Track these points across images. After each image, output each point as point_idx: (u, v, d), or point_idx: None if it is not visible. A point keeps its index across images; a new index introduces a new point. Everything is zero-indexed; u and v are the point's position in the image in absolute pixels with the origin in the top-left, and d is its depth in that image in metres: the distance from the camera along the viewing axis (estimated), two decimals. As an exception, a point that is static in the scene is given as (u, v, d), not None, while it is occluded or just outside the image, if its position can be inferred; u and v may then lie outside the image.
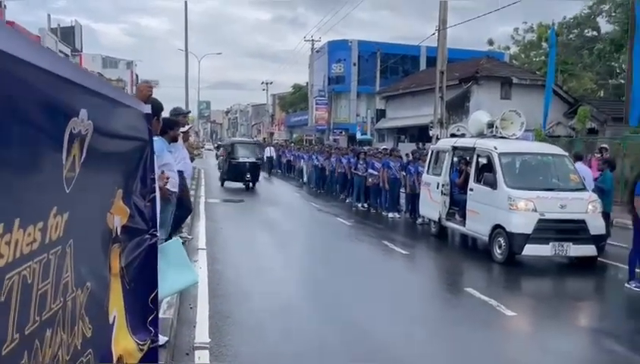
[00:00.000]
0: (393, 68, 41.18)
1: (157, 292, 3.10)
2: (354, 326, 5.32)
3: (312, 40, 45.48)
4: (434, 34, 20.74)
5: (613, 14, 20.84)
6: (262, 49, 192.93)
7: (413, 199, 12.28)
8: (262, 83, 67.53)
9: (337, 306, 5.92)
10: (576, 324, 6.05)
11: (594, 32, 34.82)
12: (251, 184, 18.47)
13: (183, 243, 7.67)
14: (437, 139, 19.80)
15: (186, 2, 30.74)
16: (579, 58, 35.48)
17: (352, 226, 11.83)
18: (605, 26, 29.08)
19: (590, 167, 10.73)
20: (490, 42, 44.84)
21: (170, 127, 5.70)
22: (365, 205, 14.61)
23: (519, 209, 7.98)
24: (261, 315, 5.53)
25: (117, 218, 2.48)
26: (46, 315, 1.55)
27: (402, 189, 13.28)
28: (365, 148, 19.35)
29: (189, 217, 10.53)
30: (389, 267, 8.32)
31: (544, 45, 40.21)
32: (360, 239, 10.55)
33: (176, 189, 5.84)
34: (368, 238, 10.51)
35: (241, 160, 18.41)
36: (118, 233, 2.51)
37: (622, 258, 7.69)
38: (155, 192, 3.12)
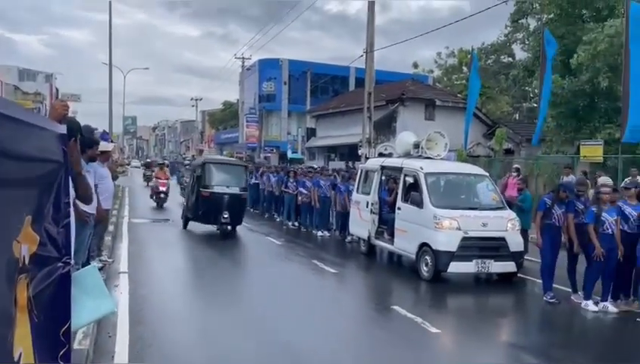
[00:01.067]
0: (324, 88, 41.86)
1: (69, 324, 2.91)
2: (282, 348, 5.24)
3: (243, 58, 45.37)
4: (362, 56, 21.30)
5: (527, 42, 22.32)
6: (191, 65, 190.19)
7: (343, 217, 12.39)
8: (192, 99, 66.47)
9: (264, 330, 5.81)
10: (497, 339, 6.30)
11: (510, 59, 37.19)
12: (229, 227, 12.61)
13: (101, 268, 7.33)
14: (366, 158, 20.23)
15: (110, 14, 29.72)
16: (496, 82, 37.70)
17: (282, 245, 11.76)
18: (519, 53, 31.16)
19: (506, 186, 11.32)
20: (415, 65, 46.75)
21: (89, 145, 5.44)
22: (296, 223, 14.60)
23: (444, 228, 8.18)
24: (186, 341, 5.33)
25: (25, 247, 2.31)
26: None
27: (332, 208, 13.37)
28: (297, 167, 19.41)
29: (110, 238, 10.08)
30: (318, 286, 8.32)
31: (465, 69, 42.45)
32: (290, 258, 10.50)
33: (94, 212, 5.57)
34: (298, 257, 10.48)
35: (217, 190, 12.34)
36: (26, 263, 2.33)
37: (538, 273, 8.14)
38: (69, 217, 2.94)
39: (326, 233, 13.10)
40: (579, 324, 6.97)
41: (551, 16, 19.70)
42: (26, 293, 2.36)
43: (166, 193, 18.94)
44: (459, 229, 8.13)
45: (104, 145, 6.93)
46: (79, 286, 3.27)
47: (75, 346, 3.98)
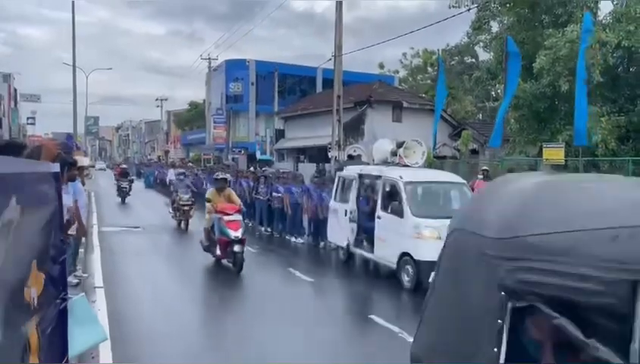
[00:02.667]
0: (291, 88, 41.90)
1: (67, 358, 2.96)
2: (258, 358, 5.36)
3: (209, 58, 44.98)
4: (330, 60, 21.47)
5: (489, 45, 22.94)
6: (156, 64, 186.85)
7: (316, 223, 12.49)
8: (157, 99, 65.47)
9: (241, 343, 5.91)
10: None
11: (473, 60, 38.08)
12: None
13: (77, 284, 7.27)
14: (336, 160, 20.44)
15: (73, 13, 28.82)
16: (460, 82, 38.53)
17: (257, 252, 11.82)
18: (482, 54, 31.96)
19: (473, 189, 11.65)
20: (381, 66, 47.23)
21: (67, 166, 5.42)
22: (269, 229, 14.65)
23: (424, 237, 8.16)
24: (169, 357, 5.38)
25: (34, 290, 2.36)
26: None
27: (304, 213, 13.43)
28: (268, 170, 19.40)
29: (82, 250, 9.96)
30: (294, 295, 8.42)
31: (430, 69, 43.21)
32: (266, 266, 10.57)
33: (74, 232, 5.55)
34: (273, 266, 10.56)
35: None
36: (35, 305, 2.39)
37: None
38: (65, 253, 2.99)
39: (299, 240, 13.20)
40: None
41: (513, 20, 20.30)
42: (36, 335, 2.41)
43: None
44: (439, 238, 8.08)
45: (80, 161, 6.89)
46: (72, 315, 3.31)
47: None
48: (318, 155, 27.87)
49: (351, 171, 11.26)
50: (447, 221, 8.24)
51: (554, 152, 15.37)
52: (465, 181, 10.21)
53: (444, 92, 20.24)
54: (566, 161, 15.50)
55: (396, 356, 5.81)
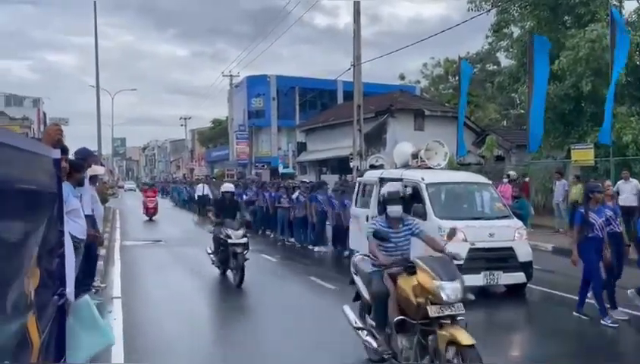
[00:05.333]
0: (312, 102, 41.99)
1: (64, 359, 2.80)
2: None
3: (231, 75, 45.48)
4: (349, 69, 21.38)
5: (511, 50, 22.54)
6: (180, 85, 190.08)
7: (339, 232, 12.23)
8: (180, 118, 66.45)
9: (263, 355, 5.69)
10: (511, 353, 6.19)
11: (495, 66, 37.56)
12: None
13: (96, 292, 7.19)
14: (358, 170, 20.22)
15: (96, 35, 29.63)
16: (483, 90, 38.04)
17: (277, 262, 11.63)
18: (504, 60, 31.48)
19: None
20: (402, 77, 47.08)
21: (77, 169, 5.35)
22: (291, 239, 14.46)
23: (449, 239, 7.93)
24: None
25: (31, 282, 2.21)
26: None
27: (327, 222, 13.21)
28: (289, 182, 19.28)
29: (102, 262, 9.92)
30: (316, 303, 8.18)
31: (451, 78, 42.80)
32: (285, 276, 10.36)
33: (84, 237, 5.45)
34: (293, 275, 10.34)
35: None
36: (32, 299, 2.23)
37: (543, 282, 7.81)
38: (63, 246, 2.85)
39: (323, 249, 12.96)
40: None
41: (533, 23, 19.92)
42: (37, 331, 2.24)
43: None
44: (465, 240, 7.64)
45: (94, 169, 6.85)
46: (76, 318, 3.15)
47: (70, 379, 3.85)
48: (340, 166, 27.69)
49: (371, 175, 10.93)
50: (473, 222, 7.53)
51: (583, 153, 14.89)
52: (490, 181, 9.83)
53: (466, 90, 19.69)
54: (595, 162, 14.98)
55: None
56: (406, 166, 9.98)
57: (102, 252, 10.60)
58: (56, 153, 2.78)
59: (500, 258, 7.93)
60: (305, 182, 17.14)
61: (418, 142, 21.84)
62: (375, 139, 25.51)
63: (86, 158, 6.32)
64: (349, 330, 5.33)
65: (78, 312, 3.32)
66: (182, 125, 68.09)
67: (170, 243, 14.72)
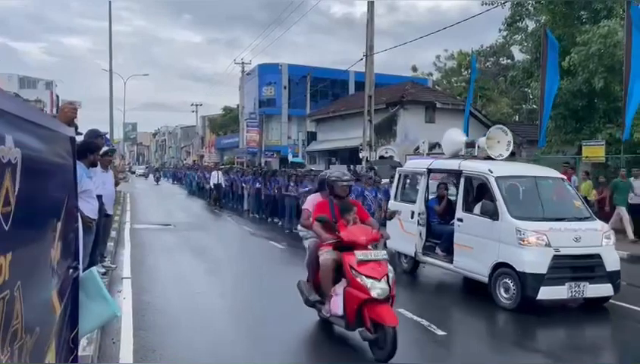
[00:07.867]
0: (323, 92, 41.97)
1: (77, 329, 2.92)
2: (292, 354, 5.26)
3: (243, 63, 45.53)
4: (361, 59, 21.35)
5: (524, 44, 22.35)
6: (193, 71, 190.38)
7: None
8: (192, 104, 66.81)
9: (270, 337, 5.81)
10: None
11: (509, 60, 37.30)
12: None
13: (105, 273, 7.34)
14: (367, 161, 20.29)
15: (110, 19, 29.83)
16: (496, 84, 37.82)
17: (284, 249, 11.76)
18: (518, 54, 31.24)
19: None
20: (414, 69, 46.92)
21: (91, 150, 5.48)
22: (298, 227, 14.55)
23: (530, 244, 6.74)
24: (190, 347, 5.33)
25: (54, 253, 2.32)
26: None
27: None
28: (299, 170, 19.41)
29: (113, 244, 10.10)
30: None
31: (464, 71, 42.54)
32: (290, 261, 10.46)
33: (96, 217, 5.59)
34: (297, 260, 10.43)
35: None
36: (56, 270, 2.34)
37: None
38: (78, 222, 2.96)
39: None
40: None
41: (547, 18, 19.74)
42: (59, 301, 2.36)
43: None
44: (548, 245, 6.68)
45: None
46: (83, 291, 3.27)
47: (80, 352, 3.98)
48: (350, 156, 27.75)
49: (417, 164, 9.51)
50: (556, 224, 6.47)
51: (594, 150, 14.83)
52: (563, 176, 8.46)
53: (473, 85, 19.69)
54: (606, 158, 14.91)
55: None
56: (458, 155, 8.82)
57: (113, 234, 10.79)
58: (71, 131, 2.87)
59: (587, 266, 6.85)
60: (313, 171, 17.21)
61: (429, 135, 21.86)
62: (386, 131, 25.51)
63: (96, 138, 6.44)
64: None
65: (85, 282, 3.45)
66: (193, 111, 68.52)
67: (180, 227, 14.90)
